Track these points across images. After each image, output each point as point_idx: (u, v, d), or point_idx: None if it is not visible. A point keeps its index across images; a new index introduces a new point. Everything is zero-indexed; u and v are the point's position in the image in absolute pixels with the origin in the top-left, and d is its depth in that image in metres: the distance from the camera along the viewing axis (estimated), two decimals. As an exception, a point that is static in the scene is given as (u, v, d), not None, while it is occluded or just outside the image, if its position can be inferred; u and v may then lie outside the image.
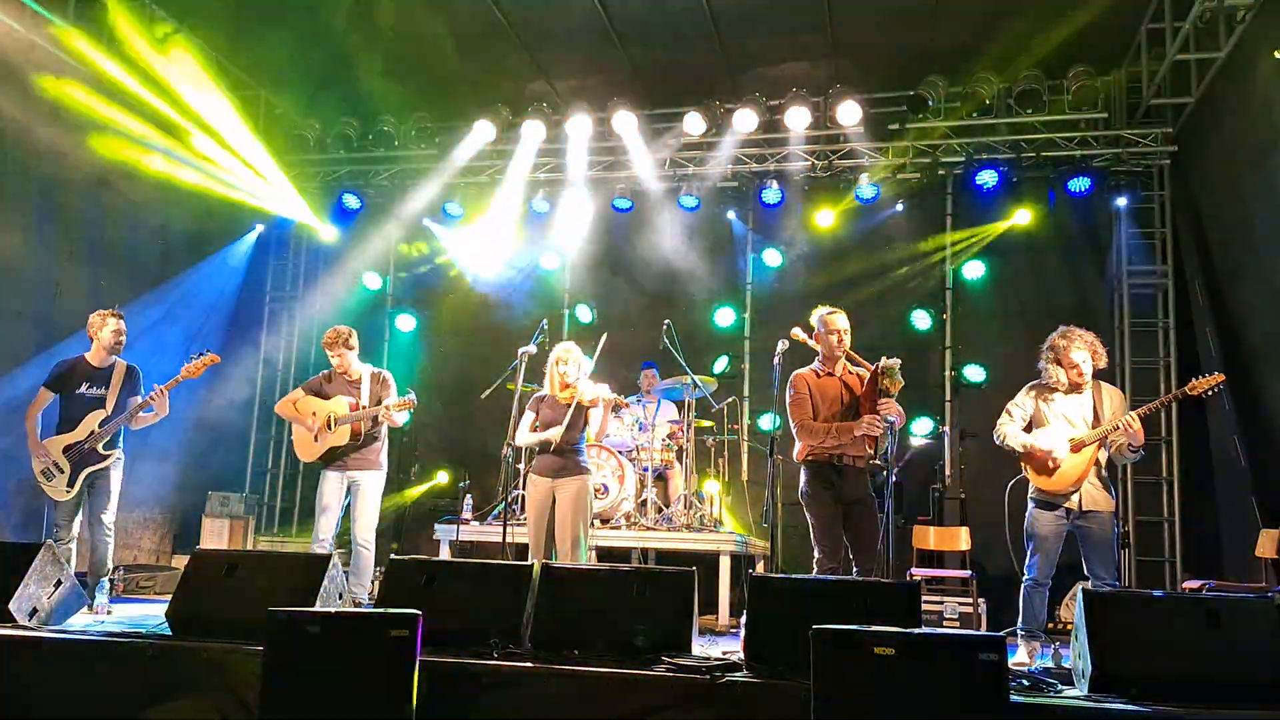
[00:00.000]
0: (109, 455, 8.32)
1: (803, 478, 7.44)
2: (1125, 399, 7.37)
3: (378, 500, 8.65)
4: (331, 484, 8.55)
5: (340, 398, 8.58)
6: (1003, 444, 7.28)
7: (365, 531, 8.50)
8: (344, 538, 8.71)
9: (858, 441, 7.21)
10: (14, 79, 10.63)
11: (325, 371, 8.89)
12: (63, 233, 11.24)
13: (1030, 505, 7.21)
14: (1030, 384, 7.43)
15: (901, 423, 7.34)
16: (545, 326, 9.91)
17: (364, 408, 8.54)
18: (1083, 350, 7.17)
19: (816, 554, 7.27)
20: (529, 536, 8.15)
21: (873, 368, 7.27)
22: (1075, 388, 7.21)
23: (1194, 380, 7.08)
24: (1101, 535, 6.97)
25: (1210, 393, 7.02)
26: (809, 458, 7.40)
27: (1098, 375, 7.33)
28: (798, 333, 7.71)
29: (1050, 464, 7.03)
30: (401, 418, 8.67)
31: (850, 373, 7.49)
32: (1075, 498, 7.01)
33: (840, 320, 7.51)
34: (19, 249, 10.67)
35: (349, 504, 8.58)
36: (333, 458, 8.56)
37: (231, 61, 13.20)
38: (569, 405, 8.07)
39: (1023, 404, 7.33)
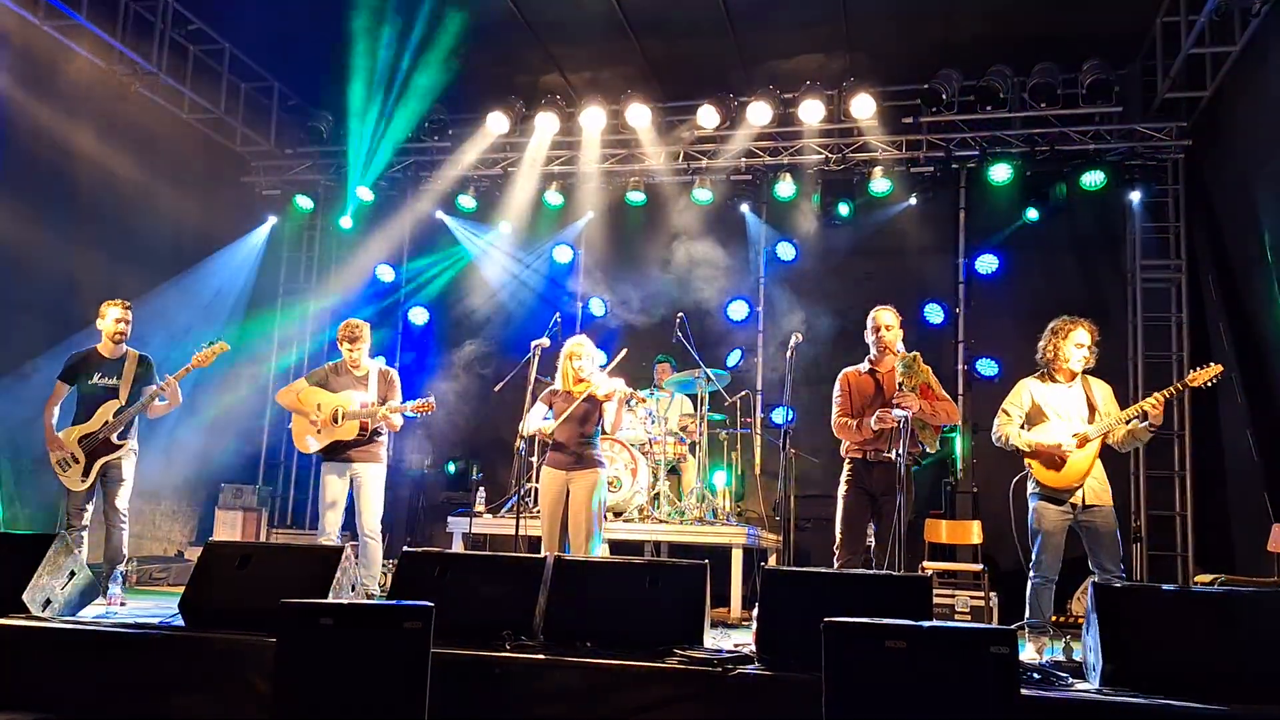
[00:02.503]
0: (122, 445, 8.36)
1: (843, 472, 7.66)
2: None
3: (380, 492, 8.65)
4: (334, 479, 8.54)
5: (350, 392, 8.57)
6: (1005, 445, 7.25)
7: (371, 523, 8.52)
8: (351, 530, 8.73)
9: (881, 436, 7.29)
10: (26, 72, 10.67)
11: (331, 363, 8.88)
12: (75, 226, 11.27)
13: (1033, 501, 7.16)
14: (1022, 381, 7.40)
15: (944, 418, 7.40)
16: (558, 319, 9.92)
17: (374, 404, 8.55)
18: (1087, 335, 7.15)
19: (838, 541, 7.44)
20: (542, 529, 8.15)
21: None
22: (1070, 376, 7.18)
23: (1192, 372, 7.05)
24: (1107, 528, 6.95)
25: (1209, 384, 6.96)
26: (848, 454, 7.64)
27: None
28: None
29: (1058, 459, 7.01)
30: (398, 420, 8.70)
31: (894, 369, 7.55)
32: (1080, 492, 7.00)
33: (884, 316, 7.68)
34: (33, 242, 10.70)
35: (353, 497, 8.61)
36: (334, 451, 8.56)
37: (245, 53, 13.28)
38: (582, 398, 8.09)
39: (1019, 401, 7.30)
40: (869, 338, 7.69)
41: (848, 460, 7.63)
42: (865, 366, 7.72)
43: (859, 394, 7.62)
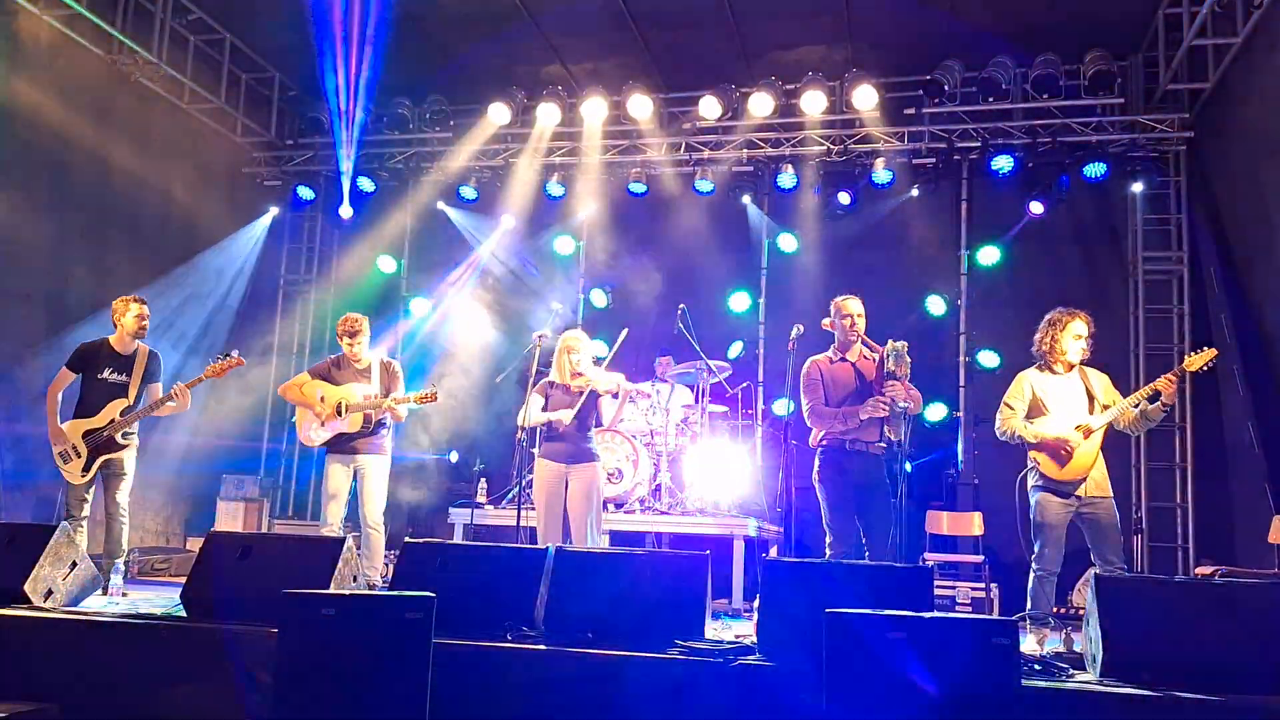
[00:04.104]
0: (126, 443, 8.34)
1: (817, 463, 7.47)
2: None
3: (384, 484, 8.66)
4: (337, 470, 8.54)
5: (353, 385, 8.56)
6: (1010, 439, 7.22)
7: (374, 515, 8.52)
8: (354, 521, 8.72)
9: (867, 425, 7.22)
10: (25, 61, 10.66)
11: (334, 356, 8.88)
12: (74, 216, 11.25)
13: (1036, 494, 7.12)
14: (1020, 374, 7.37)
15: (915, 407, 7.33)
16: (560, 311, 9.92)
17: (377, 396, 8.55)
18: (1084, 327, 7.13)
19: (828, 538, 7.30)
20: (540, 521, 8.15)
21: (882, 350, 7.27)
22: (1068, 367, 7.18)
23: (1189, 356, 7.07)
24: (1109, 520, 6.94)
25: (1206, 368, 7.00)
26: (823, 443, 7.44)
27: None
28: (827, 323, 7.70)
29: (1064, 452, 6.99)
30: (404, 411, 8.69)
31: (865, 358, 7.48)
32: (1083, 485, 6.99)
33: (852, 305, 7.51)
34: (29, 232, 10.69)
35: (356, 489, 8.61)
36: (338, 443, 8.57)
37: (246, 43, 13.27)
38: (581, 392, 8.08)
39: (1020, 394, 7.27)
40: (838, 325, 7.50)
41: (821, 451, 7.45)
42: (835, 355, 7.55)
43: (835, 383, 7.43)
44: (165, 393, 8.38)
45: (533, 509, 8.51)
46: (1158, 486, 11.72)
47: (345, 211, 13.89)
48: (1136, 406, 7.00)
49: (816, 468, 7.48)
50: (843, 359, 7.51)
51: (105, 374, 8.33)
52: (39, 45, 10.84)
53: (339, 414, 8.47)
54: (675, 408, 11.44)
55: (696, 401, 11.48)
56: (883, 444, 7.27)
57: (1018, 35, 11.70)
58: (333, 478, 8.53)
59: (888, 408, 7.10)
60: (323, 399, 8.53)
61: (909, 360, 7.19)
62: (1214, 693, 4.62)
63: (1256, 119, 10.22)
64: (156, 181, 12.41)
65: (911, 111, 12.63)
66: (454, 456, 13.52)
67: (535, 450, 8.61)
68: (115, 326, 8.45)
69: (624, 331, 8.83)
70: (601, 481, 8.30)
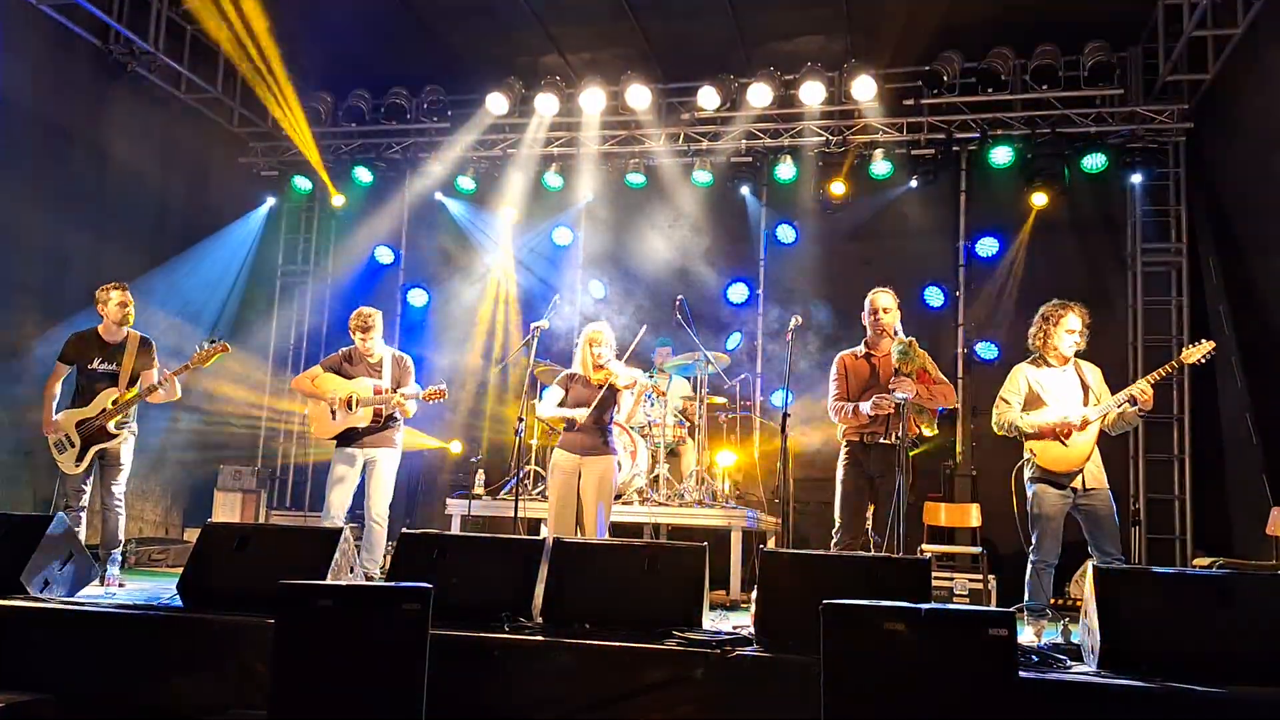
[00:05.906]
0: (119, 433, 8.31)
1: (840, 454, 7.64)
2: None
3: (392, 479, 8.68)
4: (346, 461, 8.57)
5: (364, 379, 8.59)
6: (1009, 431, 7.24)
7: (379, 508, 8.54)
8: (355, 513, 8.71)
9: (881, 419, 7.28)
10: (21, 50, 10.62)
11: (345, 350, 8.89)
12: (70, 206, 11.23)
13: (1032, 486, 7.16)
14: (1016, 367, 7.40)
15: (942, 400, 7.37)
16: (558, 301, 9.89)
17: (388, 391, 8.56)
18: (1078, 321, 7.15)
19: (837, 524, 7.45)
20: (551, 510, 8.15)
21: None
22: (1062, 360, 7.19)
23: (1186, 348, 7.11)
24: (1107, 511, 6.97)
25: (1203, 360, 7.05)
26: (844, 436, 7.63)
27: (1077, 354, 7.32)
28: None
29: (1063, 436, 6.99)
30: (412, 406, 8.70)
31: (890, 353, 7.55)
32: (1079, 476, 7.00)
33: (881, 299, 7.66)
34: (26, 222, 10.67)
35: (363, 481, 8.61)
36: (349, 436, 8.59)
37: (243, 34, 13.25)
38: (602, 387, 8.08)
39: (1016, 388, 7.29)
40: (866, 320, 7.68)
41: (844, 443, 7.63)
42: (861, 350, 7.72)
43: (855, 378, 7.61)
44: (161, 376, 8.38)
45: (531, 499, 8.50)
46: (1156, 478, 11.71)
47: (338, 201, 13.91)
48: (1119, 407, 7.00)
49: (839, 460, 7.65)
50: (867, 354, 7.68)
51: (95, 364, 8.33)
52: (36, 35, 10.80)
53: (350, 408, 8.49)
54: (673, 399, 11.42)
55: (694, 392, 11.46)
56: (897, 437, 7.30)
57: (1017, 26, 11.68)
58: (340, 468, 8.56)
59: (888, 405, 7.15)
60: (333, 392, 8.56)
61: (919, 355, 7.23)
62: (1212, 685, 4.62)
63: (1256, 110, 10.21)
64: (153, 171, 12.39)
65: (910, 102, 12.59)
66: (456, 447, 13.52)
67: (533, 442, 8.60)
68: (101, 316, 8.44)
69: (643, 328, 8.85)
70: (615, 475, 8.30)
